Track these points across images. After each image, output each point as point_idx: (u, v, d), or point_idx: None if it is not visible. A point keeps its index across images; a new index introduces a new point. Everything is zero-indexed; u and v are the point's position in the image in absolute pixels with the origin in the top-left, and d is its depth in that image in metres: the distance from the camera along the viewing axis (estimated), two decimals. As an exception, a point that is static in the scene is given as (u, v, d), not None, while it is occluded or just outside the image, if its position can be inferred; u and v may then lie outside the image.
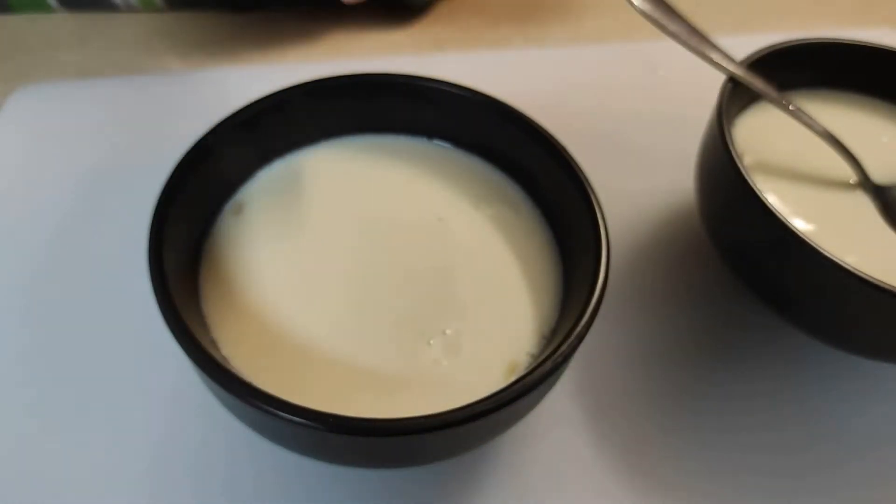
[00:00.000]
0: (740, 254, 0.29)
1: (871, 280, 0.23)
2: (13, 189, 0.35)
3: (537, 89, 0.41)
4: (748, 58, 0.31)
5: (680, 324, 0.32)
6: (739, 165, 0.27)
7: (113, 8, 0.44)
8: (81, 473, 0.26)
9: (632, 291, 0.33)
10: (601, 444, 0.28)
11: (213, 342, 0.24)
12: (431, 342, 0.25)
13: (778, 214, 0.25)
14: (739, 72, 0.30)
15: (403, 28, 0.45)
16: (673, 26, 0.32)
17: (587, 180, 0.26)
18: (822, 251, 0.24)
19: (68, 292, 0.31)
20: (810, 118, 0.30)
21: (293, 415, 0.20)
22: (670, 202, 0.36)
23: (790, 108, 0.30)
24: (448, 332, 0.25)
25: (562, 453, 0.28)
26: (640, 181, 0.37)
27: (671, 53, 0.44)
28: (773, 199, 0.26)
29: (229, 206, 0.28)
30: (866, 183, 0.30)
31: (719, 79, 0.30)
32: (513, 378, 0.23)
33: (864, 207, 0.30)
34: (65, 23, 0.44)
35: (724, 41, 0.32)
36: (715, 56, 0.31)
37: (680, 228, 0.35)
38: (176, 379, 0.29)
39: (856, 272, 0.24)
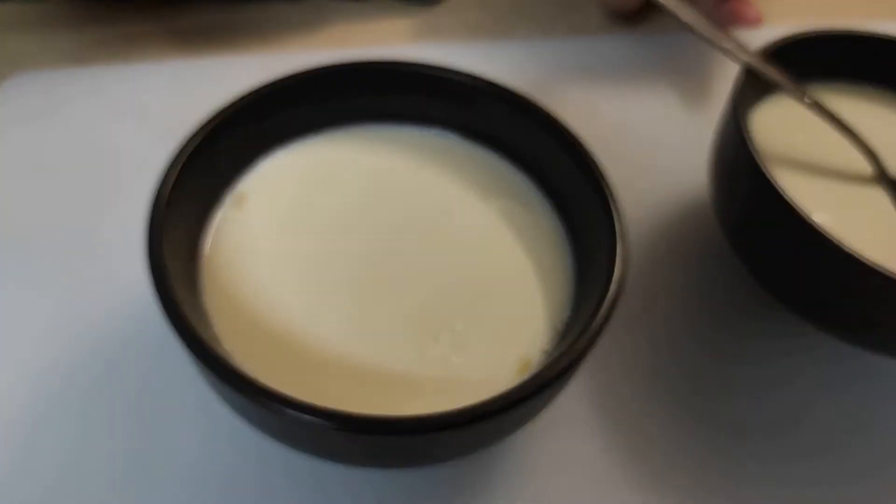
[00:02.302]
0: (755, 247, 0.29)
1: (892, 274, 0.23)
2: (6, 178, 0.34)
3: (543, 81, 0.41)
4: (764, 47, 0.30)
5: (692, 320, 0.31)
6: (756, 155, 0.26)
7: (109, -5, 0.44)
8: (86, 472, 0.26)
9: (642, 287, 0.32)
10: (612, 446, 0.28)
11: (215, 337, 0.23)
12: (440, 338, 0.24)
13: (796, 206, 0.25)
14: (755, 61, 0.29)
15: (405, 19, 0.45)
16: (687, 15, 0.32)
17: (602, 172, 0.25)
18: (842, 244, 0.24)
19: (63, 284, 0.31)
20: (827, 109, 0.30)
21: (299, 412, 0.19)
22: (684, 194, 0.36)
23: (806, 99, 0.30)
24: (457, 327, 0.24)
25: (573, 454, 0.27)
26: (651, 173, 0.36)
27: (682, 44, 0.44)
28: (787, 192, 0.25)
29: (230, 198, 0.27)
30: (882, 176, 0.30)
31: (730, 72, 0.30)
32: (526, 375, 0.23)
33: (880, 200, 0.30)
34: (60, 9, 0.43)
35: (734, 35, 0.31)
36: (729, 45, 0.30)
37: (692, 222, 0.35)
38: (177, 378, 0.28)
39: (875, 266, 0.23)
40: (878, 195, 0.30)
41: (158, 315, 0.21)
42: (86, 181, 0.34)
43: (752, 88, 0.30)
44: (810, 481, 0.27)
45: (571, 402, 0.28)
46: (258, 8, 0.44)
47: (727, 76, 0.30)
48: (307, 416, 0.19)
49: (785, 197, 0.25)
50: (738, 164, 0.27)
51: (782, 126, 0.31)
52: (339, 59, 0.28)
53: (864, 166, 0.30)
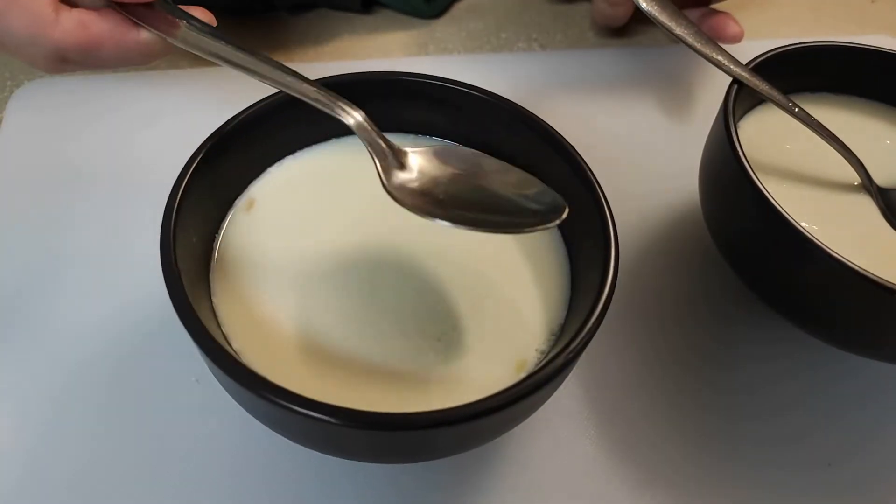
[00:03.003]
0: (744, 253, 0.30)
1: (878, 280, 0.24)
2: (18, 186, 0.35)
3: (540, 92, 0.42)
4: (753, 60, 0.31)
5: (683, 323, 0.32)
6: (746, 165, 0.27)
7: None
8: (101, 464, 0.27)
9: (636, 291, 0.33)
10: (605, 441, 0.29)
11: (225, 337, 0.24)
12: (441, 339, 0.25)
13: (784, 214, 0.26)
14: (745, 74, 0.30)
15: (408, 31, 0.46)
16: (679, 29, 0.33)
17: (595, 181, 0.26)
18: (829, 251, 0.24)
19: (77, 289, 0.32)
20: (814, 120, 0.31)
21: (305, 408, 0.20)
22: (674, 203, 0.37)
23: (795, 110, 0.31)
24: (459, 328, 0.25)
25: (566, 449, 0.28)
26: (644, 183, 0.37)
27: (675, 57, 0.45)
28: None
29: (240, 203, 0.28)
30: (869, 185, 0.31)
31: (722, 83, 0.31)
32: (523, 374, 0.24)
33: (867, 209, 0.31)
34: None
35: (724, 47, 0.32)
36: (720, 58, 0.31)
37: (683, 229, 0.36)
38: (186, 374, 0.29)
39: (863, 272, 0.24)
40: (865, 203, 0.31)
41: (172, 314, 0.21)
42: (100, 186, 0.35)
43: (742, 99, 0.31)
44: (797, 479, 0.28)
45: (566, 400, 0.29)
46: (265, 19, 0.45)
47: (718, 87, 0.31)
48: (313, 413, 0.20)
49: (773, 205, 0.26)
50: (727, 173, 0.28)
51: (771, 136, 0.32)
52: (345, 70, 0.29)
53: (851, 175, 0.31)
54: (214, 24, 0.25)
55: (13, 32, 0.22)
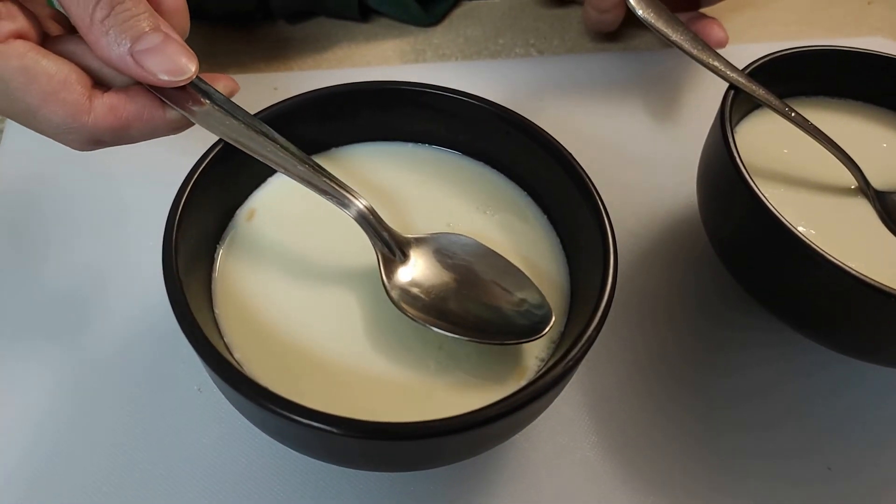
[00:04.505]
0: (742, 258, 0.30)
1: (876, 284, 0.24)
2: (22, 194, 0.35)
3: (538, 98, 0.42)
4: (749, 65, 0.31)
5: (682, 329, 0.32)
6: (743, 170, 0.27)
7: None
8: (96, 468, 0.27)
9: (634, 296, 0.33)
10: (605, 448, 0.29)
11: (227, 346, 0.24)
12: (442, 348, 0.25)
13: (782, 218, 0.26)
14: (741, 79, 0.31)
15: (406, 39, 0.46)
16: (675, 35, 0.33)
17: (593, 187, 0.26)
18: (826, 255, 0.24)
19: (79, 298, 0.32)
20: (811, 125, 0.31)
21: (306, 418, 0.20)
22: (672, 208, 0.37)
23: (791, 114, 0.31)
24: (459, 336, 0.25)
25: (566, 456, 0.28)
26: (642, 188, 0.37)
27: (672, 61, 0.45)
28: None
29: (241, 213, 0.28)
30: (867, 189, 0.31)
31: (718, 87, 0.31)
32: (523, 382, 0.24)
33: (865, 213, 0.31)
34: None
35: (721, 51, 0.32)
36: (717, 64, 0.32)
37: (682, 234, 0.36)
38: (188, 383, 0.29)
39: (860, 276, 0.24)
40: (862, 207, 0.31)
41: (174, 323, 0.22)
42: (101, 195, 0.36)
43: (739, 104, 0.31)
44: (798, 483, 0.28)
45: (566, 406, 0.30)
46: (265, 28, 0.46)
47: (716, 90, 0.31)
48: (314, 423, 0.20)
49: (770, 210, 0.26)
50: (725, 178, 0.28)
51: (768, 141, 0.32)
52: (344, 78, 0.29)
53: (848, 179, 0.31)
54: (237, 90, 0.26)
55: (51, 124, 0.24)
